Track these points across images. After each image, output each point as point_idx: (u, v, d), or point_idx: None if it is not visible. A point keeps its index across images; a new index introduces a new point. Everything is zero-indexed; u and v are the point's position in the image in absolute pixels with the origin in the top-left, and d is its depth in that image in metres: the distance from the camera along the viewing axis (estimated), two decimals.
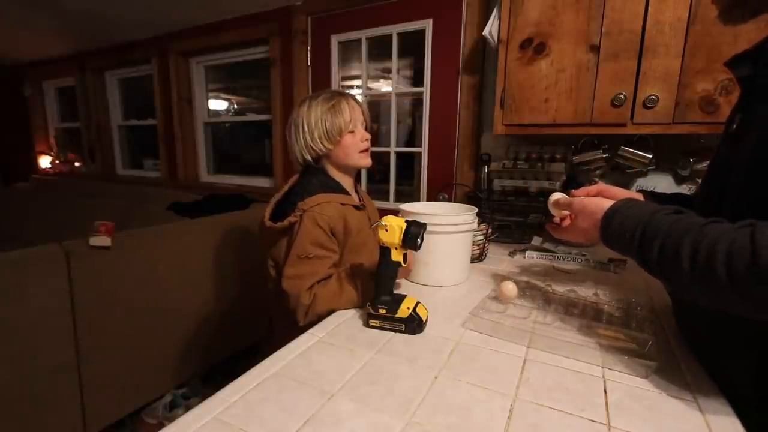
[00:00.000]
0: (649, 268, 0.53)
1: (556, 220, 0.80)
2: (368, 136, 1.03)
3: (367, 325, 0.75)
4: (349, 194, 1.02)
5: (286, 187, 1.01)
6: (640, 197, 0.84)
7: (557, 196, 0.79)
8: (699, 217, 0.50)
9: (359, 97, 2.18)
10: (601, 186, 0.85)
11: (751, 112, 0.57)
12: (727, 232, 0.45)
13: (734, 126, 0.59)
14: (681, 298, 0.72)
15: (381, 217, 0.76)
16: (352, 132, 0.99)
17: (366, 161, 1.03)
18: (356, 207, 0.99)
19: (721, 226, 0.47)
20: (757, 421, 0.51)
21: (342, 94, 1.01)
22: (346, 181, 1.04)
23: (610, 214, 0.60)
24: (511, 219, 1.57)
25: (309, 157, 0.99)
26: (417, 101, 2.02)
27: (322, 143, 0.97)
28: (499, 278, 1.00)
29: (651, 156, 1.32)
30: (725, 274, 0.43)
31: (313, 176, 0.98)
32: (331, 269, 0.88)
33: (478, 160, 1.77)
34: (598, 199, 0.66)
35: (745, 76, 0.61)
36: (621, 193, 0.84)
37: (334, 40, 2.11)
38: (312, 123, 0.96)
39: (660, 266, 0.51)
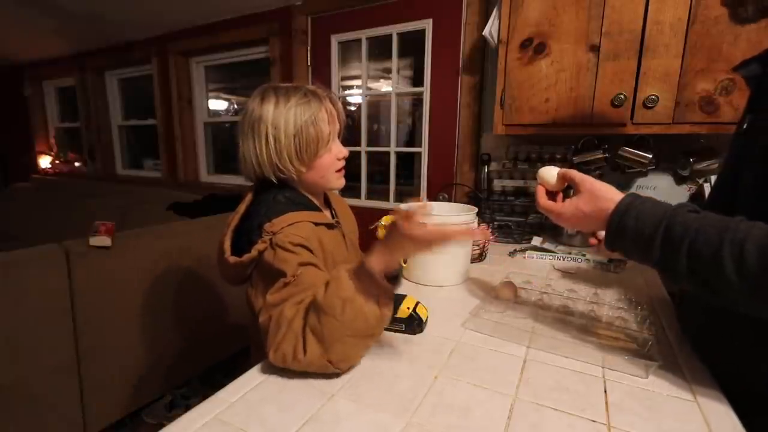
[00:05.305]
0: (673, 272, 0.49)
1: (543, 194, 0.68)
2: (345, 152, 0.81)
3: None
4: (321, 210, 0.83)
5: (242, 207, 0.79)
6: None
7: (558, 169, 0.67)
8: (721, 215, 0.48)
9: (359, 98, 2.21)
10: None
11: (761, 112, 0.56)
12: None
13: (744, 126, 0.59)
14: (683, 298, 0.72)
15: (379, 217, 0.75)
16: (329, 149, 0.77)
17: (341, 182, 0.83)
18: (329, 226, 0.80)
19: (756, 223, 0.44)
20: None
21: (317, 95, 0.76)
22: (316, 195, 0.84)
23: (622, 208, 0.53)
24: (511, 219, 1.57)
25: (272, 177, 0.75)
26: (417, 101, 2.02)
27: (292, 164, 0.74)
28: (499, 278, 1.00)
29: (651, 156, 1.32)
30: None
31: (278, 191, 0.76)
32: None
33: (478, 160, 1.77)
34: (608, 186, 0.58)
35: (754, 75, 0.61)
36: None
37: (334, 40, 2.11)
38: (282, 136, 0.73)
39: (691, 269, 0.46)
